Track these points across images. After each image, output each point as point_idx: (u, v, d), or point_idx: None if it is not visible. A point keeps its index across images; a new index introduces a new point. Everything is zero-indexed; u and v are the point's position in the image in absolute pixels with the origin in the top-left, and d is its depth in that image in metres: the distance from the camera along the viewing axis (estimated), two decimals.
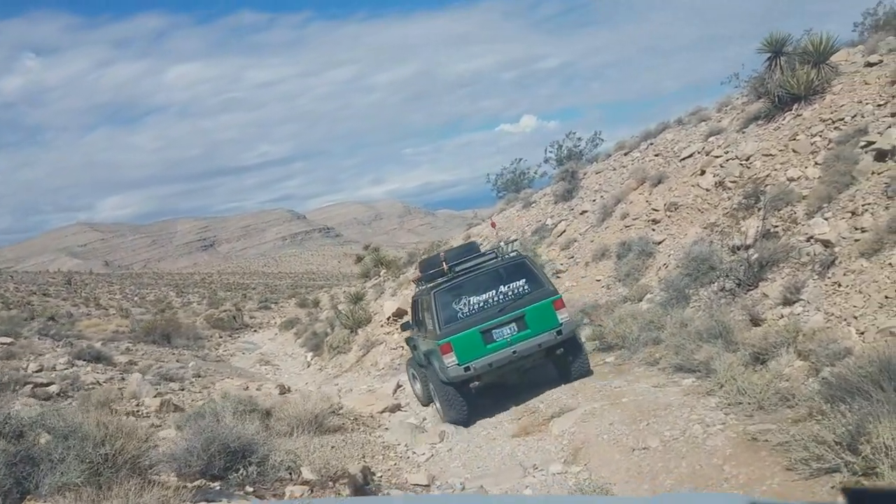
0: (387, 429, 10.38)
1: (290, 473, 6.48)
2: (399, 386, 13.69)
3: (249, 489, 6.13)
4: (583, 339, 12.74)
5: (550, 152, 23.72)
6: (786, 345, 7.79)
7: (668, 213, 15.00)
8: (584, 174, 20.57)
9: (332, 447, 8.09)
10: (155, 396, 11.43)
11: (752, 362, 8.15)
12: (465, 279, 10.33)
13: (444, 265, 10.75)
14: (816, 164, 12.04)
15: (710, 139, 15.99)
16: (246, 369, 24.41)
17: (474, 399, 10.20)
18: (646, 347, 10.66)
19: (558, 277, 16.29)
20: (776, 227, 11.18)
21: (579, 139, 23.78)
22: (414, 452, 8.95)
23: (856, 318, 7.67)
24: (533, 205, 21.67)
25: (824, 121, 12.77)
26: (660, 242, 14.43)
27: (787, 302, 9.03)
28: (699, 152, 15.93)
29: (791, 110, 13.89)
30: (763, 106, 14.85)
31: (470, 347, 9.69)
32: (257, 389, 17.36)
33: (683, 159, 16.36)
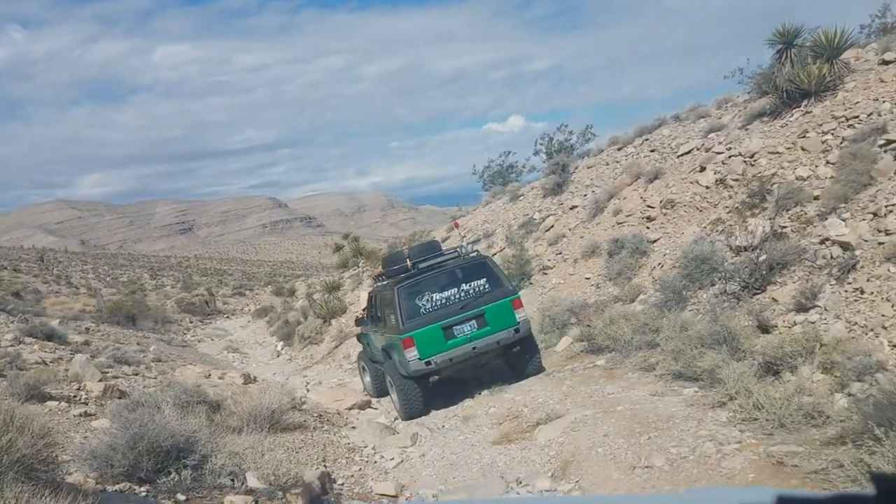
0: (354, 428, 9.44)
1: (233, 480, 5.51)
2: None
3: (181, 497, 5.16)
4: (570, 340, 11.93)
5: (540, 145, 22.85)
6: (804, 355, 6.93)
7: (663, 211, 14.15)
8: (575, 168, 19.71)
9: (288, 448, 7.12)
10: (100, 380, 10.38)
11: (763, 373, 7.29)
12: (428, 276, 10.52)
13: (408, 262, 10.93)
14: (828, 162, 11.25)
15: (711, 135, 15.17)
16: (212, 356, 23.34)
17: (432, 393, 10.41)
18: (639, 351, 9.80)
19: (545, 273, 15.42)
20: (784, 227, 10.35)
21: (570, 133, 22.94)
22: (382, 457, 8.01)
23: (885, 328, 6.83)
24: (520, 198, 20.78)
25: (837, 118, 11.97)
26: (655, 241, 13.58)
27: (800, 308, 8.19)
28: (698, 149, 15.10)
29: (800, 107, 13.09)
30: (769, 102, 14.04)
31: (432, 343, 9.93)
32: (220, 378, 16.34)
33: (681, 156, 15.52)
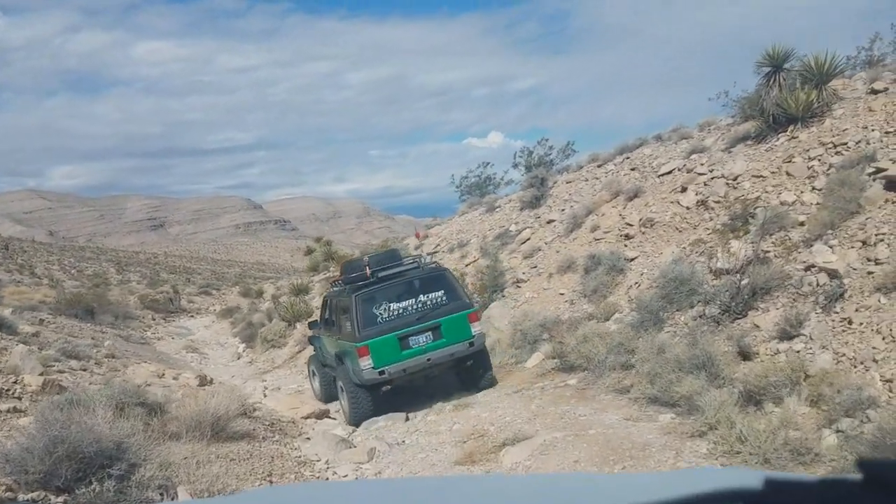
0: (308, 439, 8.86)
1: (162, 494, 4.94)
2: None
3: None
4: (541, 356, 11.48)
5: (520, 157, 22.46)
6: (789, 386, 6.53)
7: (642, 230, 13.80)
8: (554, 182, 19.34)
9: (231, 460, 6.53)
10: (40, 374, 9.70)
11: (744, 402, 6.88)
12: (386, 285, 10.51)
13: (367, 270, 10.82)
14: (815, 188, 10.96)
15: (693, 156, 14.88)
16: (169, 355, 22.56)
17: (382, 402, 10.44)
18: (613, 372, 9.36)
19: (518, 287, 14.98)
20: (768, 252, 10.01)
21: (551, 148, 22.58)
22: (335, 473, 7.44)
23: (876, 361, 6.45)
24: (497, 210, 20.36)
25: (824, 144, 11.72)
26: (632, 259, 13.20)
27: (784, 336, 7.81)
28: (679, 169, 14.80)
29: (785, 132, 12.84)
30: (754, 126, 13.78)
31: (386, 352, 9.93)
32: (174, 378, 15.66)
33: (662, 175, 15.21)
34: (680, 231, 12.96)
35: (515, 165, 22.49)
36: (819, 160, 11.50)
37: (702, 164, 14.06)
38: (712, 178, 13.19)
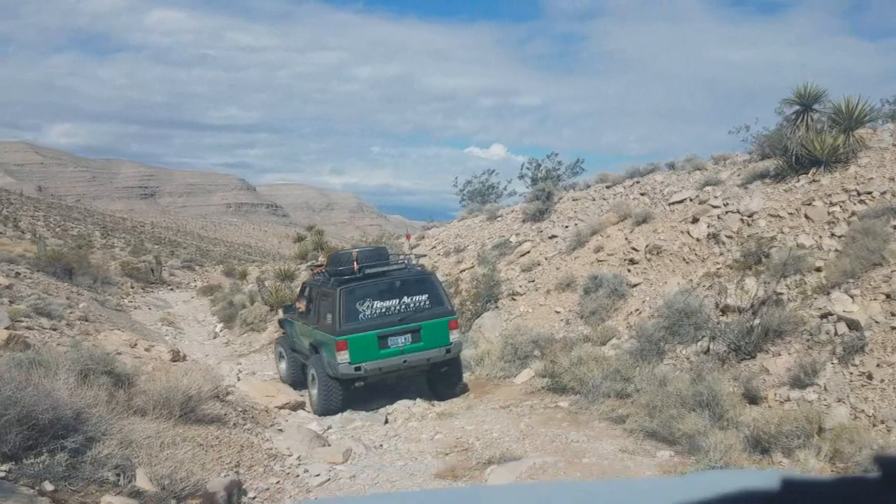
0: (281, 430, 8.33)
1: (119, 475, 4.43)
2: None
3: (48, 487, 4.08)
4: (532, 373, 11.02)
5: (527, 169, 22.01)
6: (802, 438, 6.09)
7: (648, 256, 13.38)
8: (560, 198, 18.91)
9: (198, 445, 6.02)
10: (6, 328, 9.15)
11: (751, 448, 6.44)
12: (372, 283, 10.46)
13: (355, 264, 10.74)
14: (834, 235, 10.59)
15: (707, 188, 14.48)
16: (144, 325, 21.95)
17: (353, 397, 10.33)
18: (608, 399, 8.90)
19: (514, 299, 14.52)
20: (781, 294, 9.60)
21: (559, 163, 22.15)
22: (307, 470, 6.93)
23: None
24: (498, 219, 19.90)
25: (847, 191, 11.36)
26: (635, 285, 12.78)
27: (797, 383, 7.38)
28: (692, 199, 14.40)
29: (807, 174, 12.47)
30: (774, 164, 13.40)
31: (365, 349, 9.93)
32: (146, 350, 15.08)
33: (673, 204, 14.81)
34: (687, 262, 12.55)
35: (522, 177, 22.06)
36: (841, 206, 11.13)
37: (716, 197, 13.67)
38: (726, 213, 12.80)
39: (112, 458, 4.44)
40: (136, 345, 15.48)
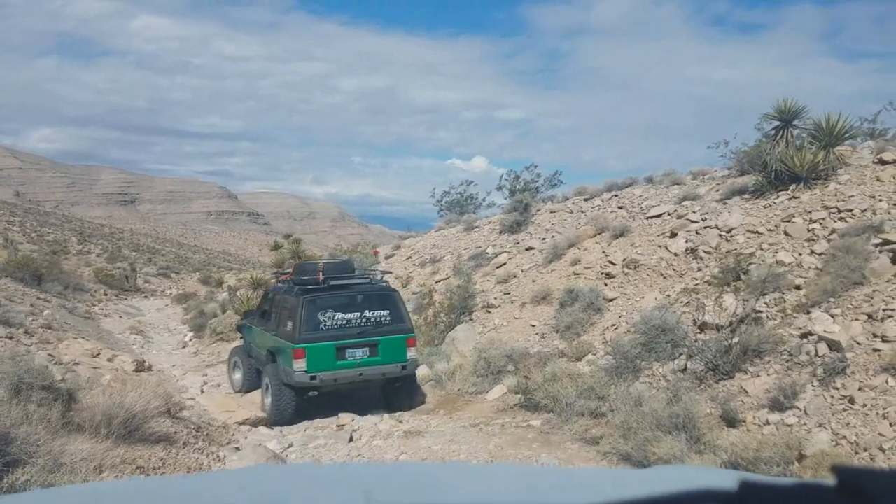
0: (237, 449, 7.92)
1: None
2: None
3: None
4: (504, 389, 10.68)
5: (506, 180, 21.76)
6: (782, 465, 5.79)
7: (625, 270, 13.12)
8: (538, 210, 18.66)
9: (138, 468, 5.61)
10: None
11: None
12: (336, 294, 10.63)
13: (321, 275, 10.94)
14: (814, 252, 10.38)
15: (685, 203, 14.28)
16: (112, 334, 21.38)
17: (307, 406, 10.43)
18: (582, 418, 8.58)
19: (488, 312, 14.19)
20: (760, 312, 9.34)
21: (538, 175, 21.92)
22: None
23: (883, 450, 5.75)
24: (475, 229, 19.61)
25: (828, 208, 11.17)
26: (611, 300, 12.50)
27: (776, 406, 7.10)
28: (670, 214, 14.18)
29: (786, 190, 12.29)
30: (753, 180, 13.22)
31: (322, 359, 10.07)
32: (108, 360, 14.59)
33: (651, 217, 14.59)
34: (665, 277, 12.30)
35: (500, 188, 21.80)
36: (821, 224, 10.93)
37: (694, 212, 13.46)
38: (705, 227, 12.58)
39: (31, 484, 4.04)
40: (98, 354, 14.97)
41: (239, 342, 14.08)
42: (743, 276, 10.49)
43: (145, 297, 41.86)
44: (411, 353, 10.79)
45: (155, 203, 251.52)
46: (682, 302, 10.93)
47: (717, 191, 14.34)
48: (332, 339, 10.17)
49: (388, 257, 21.25)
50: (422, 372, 12.25)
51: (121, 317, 28.37)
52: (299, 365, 9.88)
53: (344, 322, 10.34)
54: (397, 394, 11.04)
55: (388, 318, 10.63)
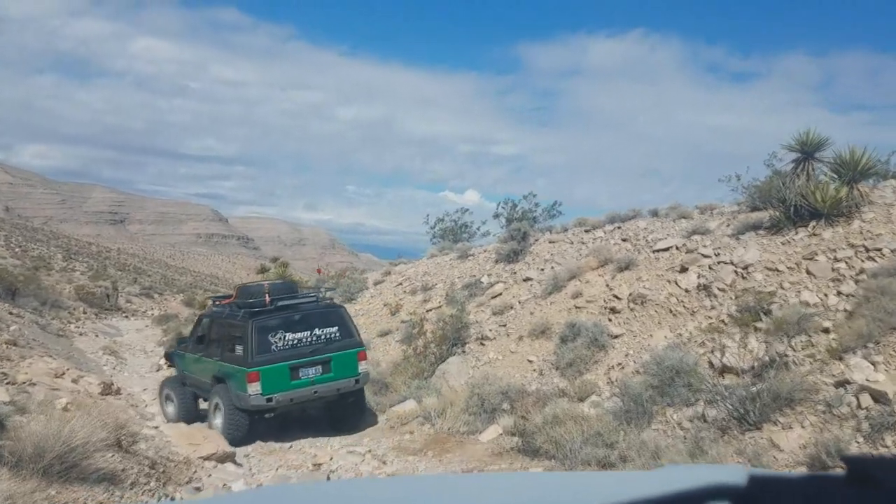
0: (197, 489, 6.93)
1: None
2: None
3: None
4: (500, 430, 9.74)
5: (503, 209, 20.92)
6: None
7: (631, 305, 12.26)
8: (536, 240, 17.83)
9: None
10: None
11: None
12: (284, 315, 10.71)
13: (267, 297, 10.96)
14: (841, 293, 9.56)
15: (694, 237, 13.49)
16: (84, 353, 20.29)
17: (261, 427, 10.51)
18: (589, 467, 7.64)
19: (482, 344, 13.28)
20: (786, 356, 8.48)
21: (536, 204, 21.11)
22: None
23: None
24: (470, 258, 18.74)
25: (854, 246, 10.39)
26: (617, 336, 11.63)
27: (816, 464, 6.20)
28: (678, 247, 13.37)
29: (806, 227, 11.51)
30: (770, 215, 12.44)
31: (276, 380, 10.17)
32: (73, 381, 13.55)
33: (658, 251, 13.77)
34: (675, 314, 11.45)
35: (497, 216, 20.94)
36: (847, 263, 10.14)
37: (705, 246, 12.66)
38: (718, 263, 11.77)
39: None
40: (62, 375, 13.92)
41: (168, 371, 13.81)
42: (764, 317, 9.65)
43: (126, 316, 40.71)
44: (363, 367, 11.03)
45: (145, 223, 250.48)
46: (696, 342, 10.07)
47: (729, 225, 13.58)
48: (285, 360, 10.27)
49: (377, 283, 20.34)
50: (409, 407, 11.33)
51: (97, 336, 27.25)
52: (254, 388, 9.93)
53: (295, 342, 10.46)
54: (349, 409, 11.21)
55: (337, 334, 10.82)
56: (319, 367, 10.54)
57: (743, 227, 12.95)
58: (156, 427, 9.96)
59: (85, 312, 35.57)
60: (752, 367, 8.45)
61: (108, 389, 14.19)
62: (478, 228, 23.74)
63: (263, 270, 32.54)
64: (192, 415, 11.83)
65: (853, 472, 0.79)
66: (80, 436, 5.35)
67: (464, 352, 13.27)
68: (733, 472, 0.87)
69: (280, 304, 10.93)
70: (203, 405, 12.59)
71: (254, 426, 10.33)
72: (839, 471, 0.80)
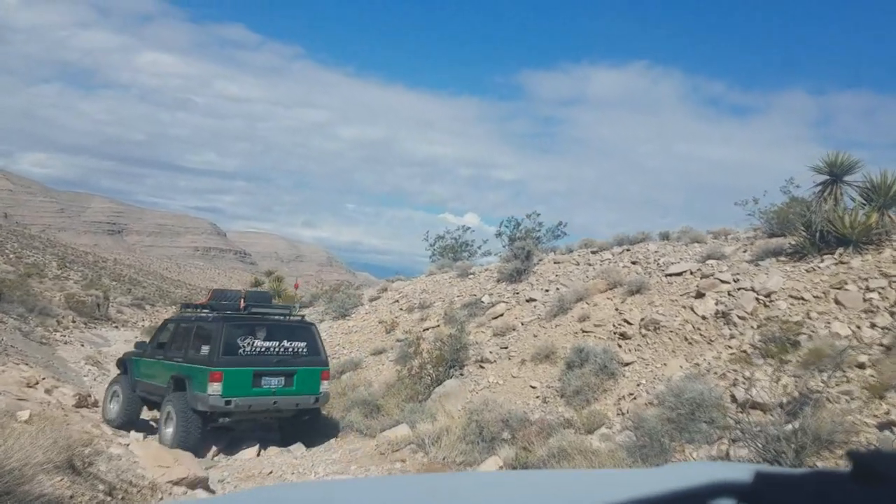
0: None
1: None
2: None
3: None
4: (500, 463, 8.92)
5: (505, 227, 20.18)
6: None
7: (643, 331, 11.49)
8: (540, 260, 17.09)
9: None
10: None
11: None
12: (256, 322, 10.82)
13: (242, 302, 11.29)
14: (875, 325, 8.81)
15: (710, 262, 12.76)
16: (66, 362, 19.46)
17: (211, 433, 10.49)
18: None
19: (482, 367, 12.47)
20: (818, 392, 7.70)
21: (540, 224, 20.37)
22: None
23: None
24: (470, 276, 17.99)
25: (888, 276, 9.65)
26: (627, 364, 10.85)
27: None
28: (693, 272, 12.65)
29: (832, 254, 10.79)
30: (793, 240, 11.72)
31: (238, 384, 10.09)
32: (47, 391, 12.78)
33: (671, 275, 13.03)
34: (690, 343, 10.68)
35: (499, 234, 20.19)
36: (880, 293, 9.40)
37: (723, 272, 11.92)
38: (738, 289, 11.02)
39: None
40: (35, 384, 13.12)
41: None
42: (790, 348, 8.88)
43: (116, 326, 39.95)
44: (324, 387, 11.09)
45: (143, 235, 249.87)
46: (716, 373, 9.28)
47: (746, 251, 12.87)
48: (250, 365, 10.23)
49: (372, 299, 19.56)
50: (402, 432, 10.51)
51: (83, 345, 26.43)
52: (214, 388, 9.83)
53: (262, 349, 10.45)
54: (304, 427, 11.13)
55: (304, 350, 10.85)
56: (282, 379, 10.51)
57: (762, 252, 12.24)
58: (126, 445, 9.15)
59: (73, 321, 34.76)
60: (782, 404, 7.67)
61: (83, 401, 13.39)
62: (479, 248, 23.04)
63: (258, 284, 31.73)
64: (133, 420, 11.73)
65: (859, 468, 0.77)
66: (17, 457, 4.55)
67: (462, 374, 12.45)
68: (738, 469, 0.86)
69: (253, 311, 11.13)
70: (146, 415, 12.41)
71: (205, 435, 10.21)
72: (845, 468, 0.77)
